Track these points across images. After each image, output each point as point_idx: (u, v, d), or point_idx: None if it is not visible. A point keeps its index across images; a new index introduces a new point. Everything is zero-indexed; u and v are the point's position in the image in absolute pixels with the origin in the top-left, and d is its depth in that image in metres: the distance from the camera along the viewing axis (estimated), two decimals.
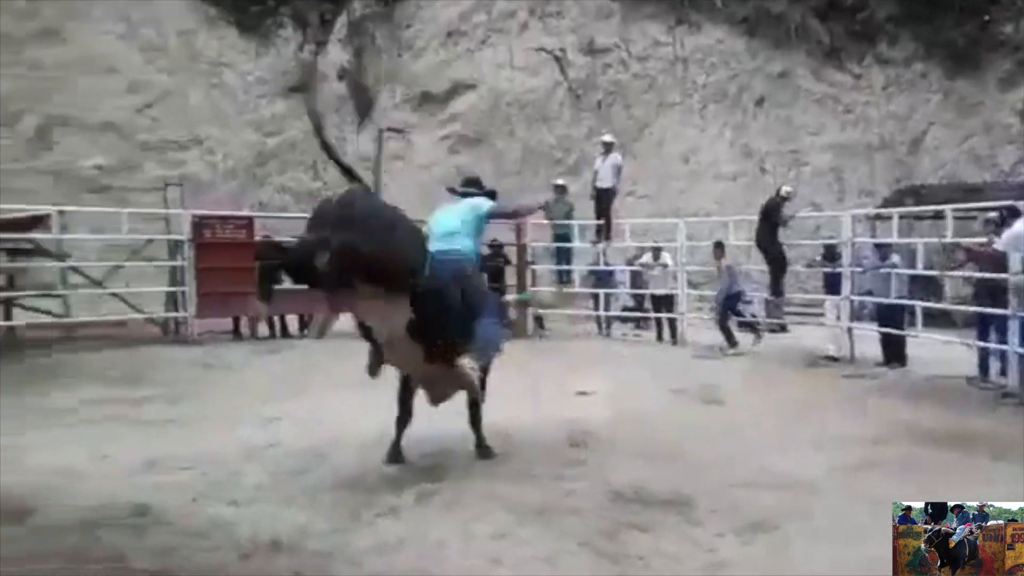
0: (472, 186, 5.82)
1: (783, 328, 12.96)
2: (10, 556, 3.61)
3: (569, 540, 3.88)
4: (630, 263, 13.73)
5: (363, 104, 19.44)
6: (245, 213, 13.37)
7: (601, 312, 13.04)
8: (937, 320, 10.60)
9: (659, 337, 12.19)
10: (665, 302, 12.24)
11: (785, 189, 11.33)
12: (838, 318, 10.49)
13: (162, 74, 17.69)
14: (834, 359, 10.02)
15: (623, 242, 13.35)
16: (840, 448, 5.70)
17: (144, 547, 3.73)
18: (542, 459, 5.30)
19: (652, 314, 12.65)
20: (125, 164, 16.95)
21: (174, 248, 11.53)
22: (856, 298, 10.45)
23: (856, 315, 10.71)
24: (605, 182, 12.95)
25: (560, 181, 13.86)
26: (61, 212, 11.34)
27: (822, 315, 11.33)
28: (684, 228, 12.18)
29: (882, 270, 9.86)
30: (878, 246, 10.54)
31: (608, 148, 13.15)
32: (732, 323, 11.44)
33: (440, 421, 5.51)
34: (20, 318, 10.85)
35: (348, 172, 18.10)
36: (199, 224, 11.36)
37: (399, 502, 4.43)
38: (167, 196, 13.12)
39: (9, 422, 6.26)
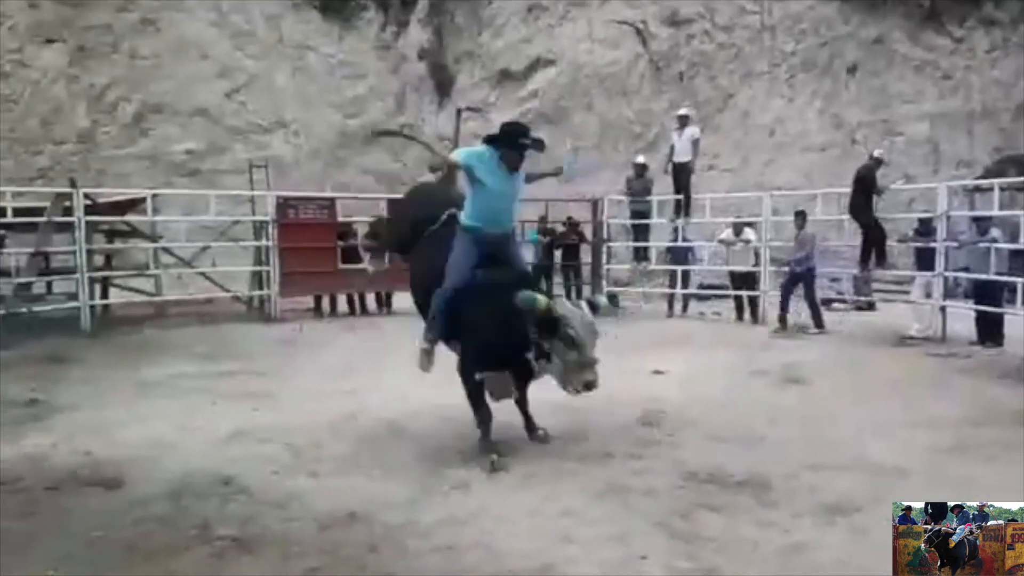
0: (506, 138, 5.11)
1: (871, 306, 12.46)
2: (105, 522, 3.81)
3: (642, 520, 3.84)
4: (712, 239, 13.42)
5: (442, 84, 19.56)
6: (327, 194, 13.66)
7: (678, 290, 12.80)
8: None
9: (739, 316, 11.89)
10: (746, 280, 11.89)
11: (878, 152, 10.82)
12: (928, 295, 10.01)
13: (250, 59, 18.22)
14: (922, 338, 9.58)
15: (703, 218, 13.02)
16: (927, 430, 5.45)
17: (227, 516, 3.88)
18: (616, 438, 5.26)
19: (732, 292, 12.32)
20: (214, 148, 17.58)
21: (259, 228, 11.90)
22: (951, 274, 9.94)
23: (949, 292, 10.19)
24: (682, 156, 12.64)
25: (640, 159, 13.61)
26: (155, 195, 11.86)
27: (909, 292, 10.83)
28: (769, 202, 11.80)
29: (980, 245, 9.34)
30: (976, 219, 9.98)
31: (684, 122, 12.83)
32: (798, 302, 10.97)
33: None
34: (115, 296, 11.42)
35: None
36: (283, 205, 11.68)
37: (471, 477, 4.47)
38: (253, 178, 13.53)
39: (103, 395, 6.62)
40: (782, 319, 10.64)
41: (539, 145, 5.08)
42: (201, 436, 5.33)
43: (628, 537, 3.64)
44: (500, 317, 4.65)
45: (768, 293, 11.75)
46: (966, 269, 9.78)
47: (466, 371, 4.92)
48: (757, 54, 18.68)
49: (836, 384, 7.19)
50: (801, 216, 11.00)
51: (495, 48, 19.51)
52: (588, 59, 19.06)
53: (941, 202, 9.99)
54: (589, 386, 4.61)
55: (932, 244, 10.02)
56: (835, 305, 12.74)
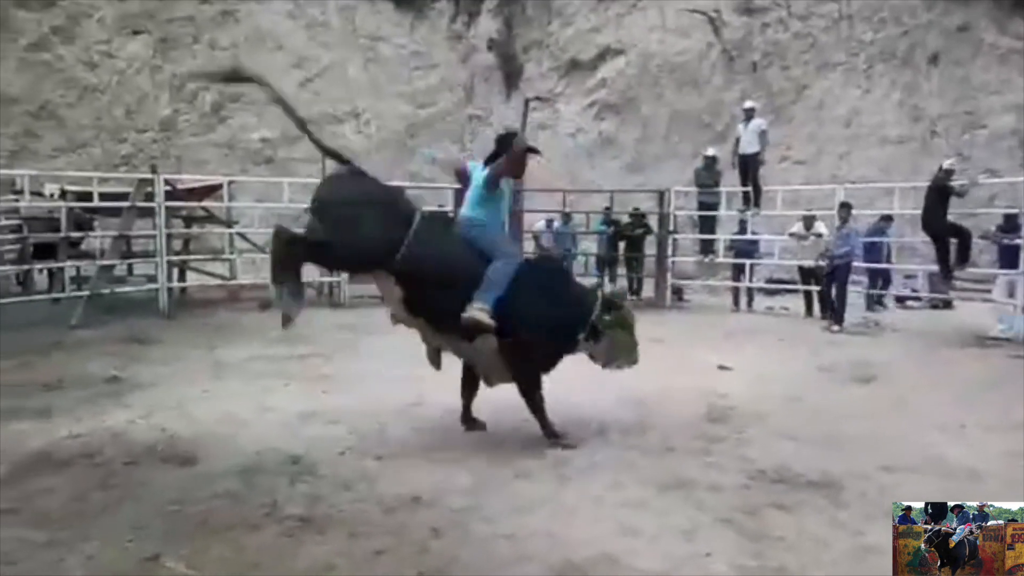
0: (500, 145, 5.03)
1: (947, 304, 12.00)
2: (179, 496, 3.96)
3: (707, 515, 3.79)
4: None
5: (511, 74, 19.56)
6: (396, 183, 13.80)
7: (743, 283, 12.56)
8: None
9: (808, 311, 11.58)
10: (816, 275, 11.56)
11: (947, 163, 10.41)
12: (1011, 295, 9.58)
13: (324, 50, 18.58)
14: (1004, 339, 9.19)
15: (774, 210, 12.73)
16: (1004, 433, 5.25)
17: (295, 495, 3.98)
18: (681, 432, 5.20)
19: (801, 287, 12.01)
20: (288, 137, 17.93)
21: None
22: None
23: None
24: (749, 148, 12.41)
25: (711, 151, 13.40)
26: (231, 182, 12.21)
27: (990, 291, 10.38)
28: (842, 195, 11.47)
29: None
30: None
31: (750, 114, 12.62)
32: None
33: (578, 390, 5.52)
34: (192, 280, 11.82)
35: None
36: None
37: (535, 465, 4.49)
38: (325, 166, 13.75)
39: (180, 375, 6.87)
40: (832, 316, 10.28)
41: (533, 150, 5.06)
42: (272, 416, 5.47)
43: (692, 532, 3.60)
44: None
45: None
46: None
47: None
48: (834, 44, 18.13)
49: (909, 383, 6.96)
50: (846, 208, 10.66)
51: (564, 38, 19.40)
52: (658, 48, 18.80)
53: None
54: (635, 363, 5.16)
55: (1017, 241, 9.59)
56: (910, 303, 12.32)
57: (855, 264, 10.95)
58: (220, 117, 17.77)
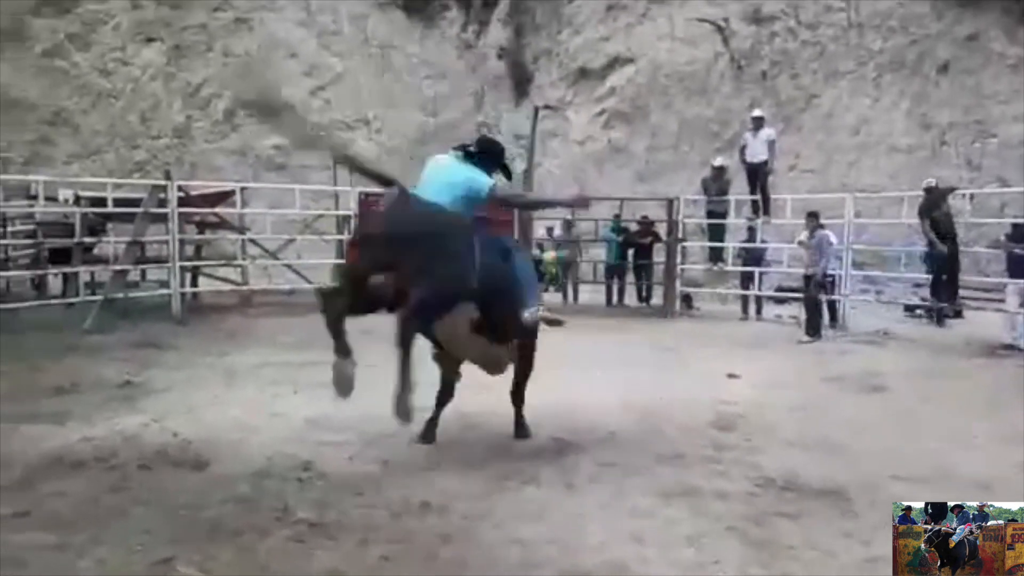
0: (487, 153, 4.78)
1: (957, 314, 11.96)
2: (189, 501, 3.99)
3: (715, 523, 3.80)
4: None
5: (521, 82, 19.64)
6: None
7: (752, 292, 12.54)
8: None
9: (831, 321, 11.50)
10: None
11: (926, 182, 10.44)
12: (1022, 304, 9.56)
13: (335, 58, 18.73)
14: (1015, 348, 9.16)
15: (783, 219, 12.71)
16: (1016, 444, 5.21)
17: (305, 499, 4.01)
18: (689, 440, 5.21)
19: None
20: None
21: (341, 223, 12.20)
22: None
23: None
24: (757, 156, 12.44)
25: (718, 162, 13.39)
26: (243, 188, 12.31)
27: (1002, 300, 10.34)
28: (852, 204, 11.46)
29: None
30: None
31: (759, 123, 12.66)
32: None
33: (586, 396, 5.54)
34: (204, 285, 11.90)
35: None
36: (365, 200, 11.94)
37: (544, 472, 4.50)
38: (336, 174, 13.86)
39: (193, 380, 6.92)
40: (810, 328, 10.25)
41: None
42: (283, 422, 5.51)
43: (700, 540, 3.61)
44: None
45: (849, 297, 11.41)
46: None
47: None
48: (843, 53, 18.11)
49: (919, 393, 6.94)
50: (814, 218, 10.64)
51: (574, 46, 19.47)
52: (667, 57, 18.84)
53: None
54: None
55: None
56: (917, 311, 12.29)
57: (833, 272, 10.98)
58: (233, 124, 17.91)
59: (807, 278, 10.52)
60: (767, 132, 12.58)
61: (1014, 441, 5.30)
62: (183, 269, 11.04)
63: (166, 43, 17.69)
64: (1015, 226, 10.34)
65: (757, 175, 12.49)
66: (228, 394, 6.36)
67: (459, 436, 5.25)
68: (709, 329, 10.93)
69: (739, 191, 13.00)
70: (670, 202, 13.08)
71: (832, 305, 11.31)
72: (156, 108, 17.66)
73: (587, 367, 7.31)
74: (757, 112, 13.18)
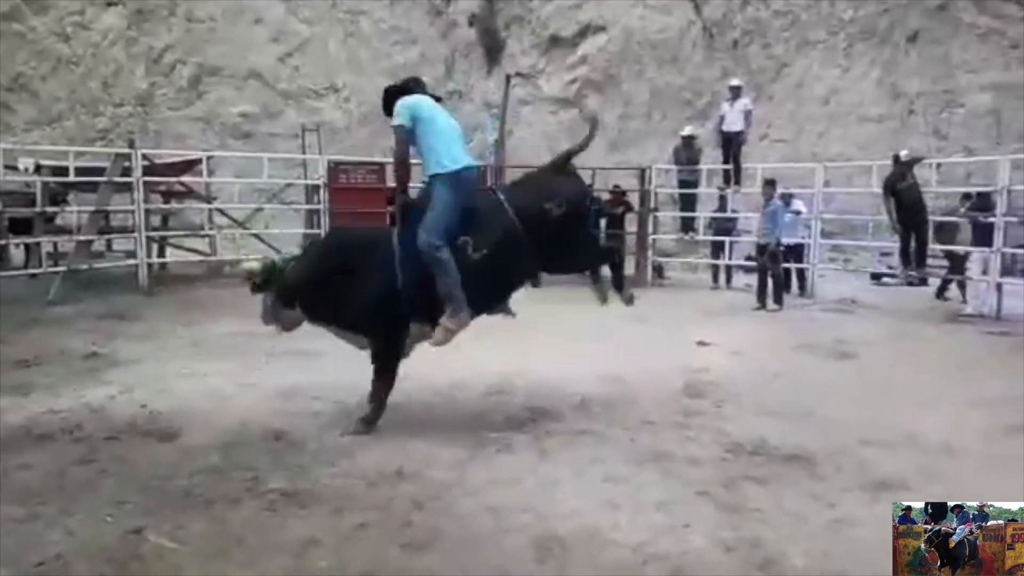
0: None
1: (923, 281, 12.16)
2: (161, 471, 3.96)
3: (686, 488, 3.86)
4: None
5: (492, 50, 19.41)
6: (377, 159, 13.74)
7: (723, 261, 12.64)
8: None
9: (786, 288, 11.64)
10: (792, 252, 11.54)
11: (901, 153, 10.52)
12: (984, 272, 9.74)
13: (303, 24, 18.33)
14: (976, 315, 9.36)
15: (753, 188, 12.76)
16: (979, 408, 5.34)
17: (277, 469, 3.99)
18: (660, 407, 5.26)
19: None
20: (267, 111, 17.80)
21: (311, 192, 12.05)
22: (1009, 250, 9.65)
23: (1007, 269, 9.91)
24: (733, 126, 12.46)
25: (688, 130, 13.39)
26: (210, 157, 12.08)
27: (966, 269, 10.54)
28: (822, 174, 11.55)
29: None
30: None
31: (736, 93, 12.66)
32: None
33: (558, 364, 5.56)
34: (171, 256, 11.72)
35: None
36: (335, 169, 11.79)
37: (517, 439, 4.53)
38: (305, 142, 13.67)
39: (160, 351, 6.85)
40: (771, 296, 10.30)
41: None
42: (254, 392, 5.48)
43: (671, 505, 3.66)
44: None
45: (817, 266, 11.55)
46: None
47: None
48: (814, 22, 18.10)
49: (886, 360, 7.08)
50: (771, 186, 10.70)
51: (545, 14, 19.25)
52: (639, 25, 18.70)
53: (1002, 176, 9.67)
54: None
55: (991, 219, 9.73)
56: (885, 280, 12.47)
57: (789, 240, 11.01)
58: (198, 91, 17.54)
59: (760, 247, 10.58)
60: (743, 102, 12.60)
61: (978, 406, 5.42)
62: (149, 239, 10.85)
63: (127, 7, 17.20)
64: (979, 194, 10.48)
65: (732, 145, 12.52)
66: (197, 364, 6.29)
67: (433, 404, 5.26)
68: (680, 298, 11.00)
69: (709, 161, 13.04)
70: (642, 172, 13.08)
71: (789, 274, 11.28)
72: (118, 74, 17.21)
73: (559, 337, 7.34)
74: (735, 81, 13.17)
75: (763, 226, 10.57)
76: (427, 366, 5.63)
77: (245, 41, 17.69)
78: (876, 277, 12.63)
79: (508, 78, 16.61)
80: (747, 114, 12.51)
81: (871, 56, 17.63)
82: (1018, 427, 4.92)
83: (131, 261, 10.61)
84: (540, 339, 6.82)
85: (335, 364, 6.04)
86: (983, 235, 9.97)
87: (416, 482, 3.87)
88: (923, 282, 12.08)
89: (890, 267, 12.20)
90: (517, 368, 5.54)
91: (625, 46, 18.73)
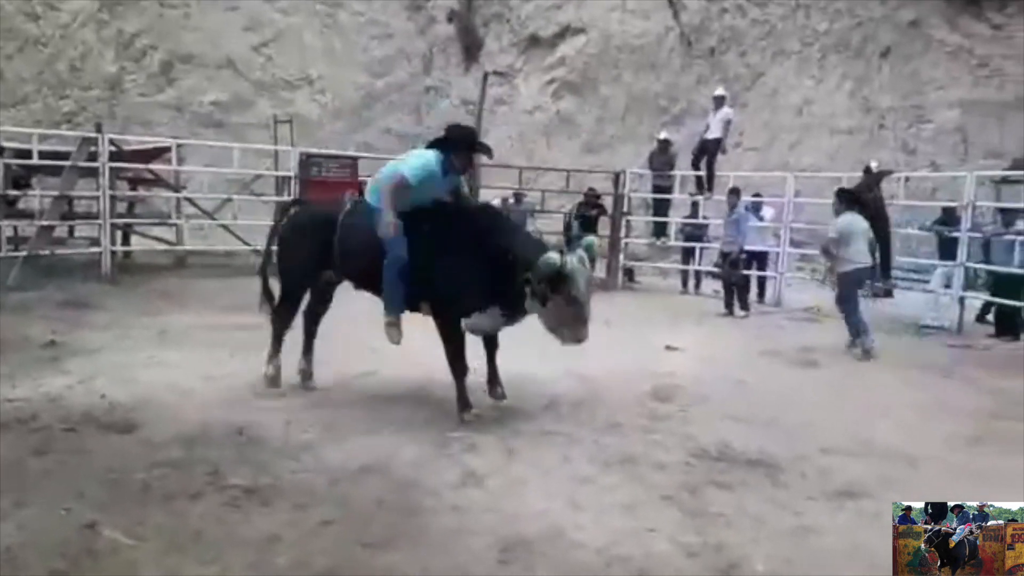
0: (452, 138, 5.09)
1: (888, 293, 12.35)
2: (119, 464, 3.88)
3: (651, 491, 3.87)
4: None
5: (470, 47, 19.37)
6: (350, 153, 13.63)
7: (692, 267, 12.71)
8: None
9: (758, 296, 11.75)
10: (756, 258, 11.54)
11: (871, 164, 10.69)
12: (947, 286, 9.92)
13: (279, 13, 18.12)
14: (938, 327, 9.53)
15: (726, 196, 12.87)
16: (940, 419, 5.44)
17: (239, 464, 3.93)
18: (627, 410, 5.27)
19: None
20: (239, 101, 17.57)
21: (281, 184, 11.91)
22: (972, 265, 9.84)
23: (969, 283, 10.10)
24: (713, 134, 12.55)
25: (663, 135, 13.48)
26: (179, 145, 11.88)
27: (928, 281, 10.73)
28: (793, 183, 11.67)
29: (1005, 237, 9.22)
30: (1002, 211, 9.84)
31: (719, 103, 12.75)
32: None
33: (527, 364, 5.54)
34: (136, 244, 11.51)
35: None
36: (306, 162, 11.67)
37: (484, 439, 4.51)
38: (277, 133, 13.51)
39: (122, 341, 6.71)
40: (737, 304, 10.38)
41: (488, 152, 5.27)
42: (218, 386, 5.39)
43: (636, 508, 3.66)
44: (482, 263, 4.73)
45: (785, 275, 11.67)
46: (987, 261, 9.69)
47: (454, 327, 4.89)
48: (790, 32, 18.33)
49: (850, 369, 7.18)
50: (735, 194, 10.83)
51: (525, 13, 19.27)
52: (618, 29, 18.79)
53: (968, 191, 9.84)
54: (580, 341, 4.68)
55: (955, 234, 9.90)
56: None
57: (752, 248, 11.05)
58: (169, 78, 17.26)
59: (724, 255, 10.66)
60: (725, 111, 12.69)
61: (939, 416, 5.52)
62: (114, 227, 10.63)
63: None
64: (945, 210, 10.67)
65: (707, 152, 12.62)
66: (160, 356, 6.18)
67: (399, 401, 5.22)
68: (650, 302, 11.06)
69: (684, 166, 13.13)
70: (617, 175, 13.12)
71: (746, 282, 11.12)
72: (87, 57, 16.87)
73: (527, 337, 7.31)
74: (719, 91, 13.28)
75: (726, 234, 10.65)
76: (394, 363, 5.59)
77: (219, 29, 17.44)
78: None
79: (485, 76, 16.57)
80: (727, 123, 12.61)
81: (844, 69, 17.89)
82: (978, 437, 5.02)
83: (95, 249, 10.39)
84: (508, 339, 6.79)
85: (296, 360, 5.97)
86: (948, 249, 10.14)
87: (379, 480, 3.83)
88: (888, 294, 12.26)
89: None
90: (485, 366, 5.50)
91: (603, 49, 18.82)
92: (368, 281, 5.10)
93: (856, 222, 7.96)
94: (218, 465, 3.89)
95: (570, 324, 4.61)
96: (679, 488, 3.92)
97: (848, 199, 8.30)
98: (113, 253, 10.45)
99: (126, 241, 11.69)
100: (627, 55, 18.77)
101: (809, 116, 18.01)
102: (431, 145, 5.06)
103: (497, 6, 19.42)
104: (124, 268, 10.86)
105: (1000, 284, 9.46)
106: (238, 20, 17.69)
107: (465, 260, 4.77)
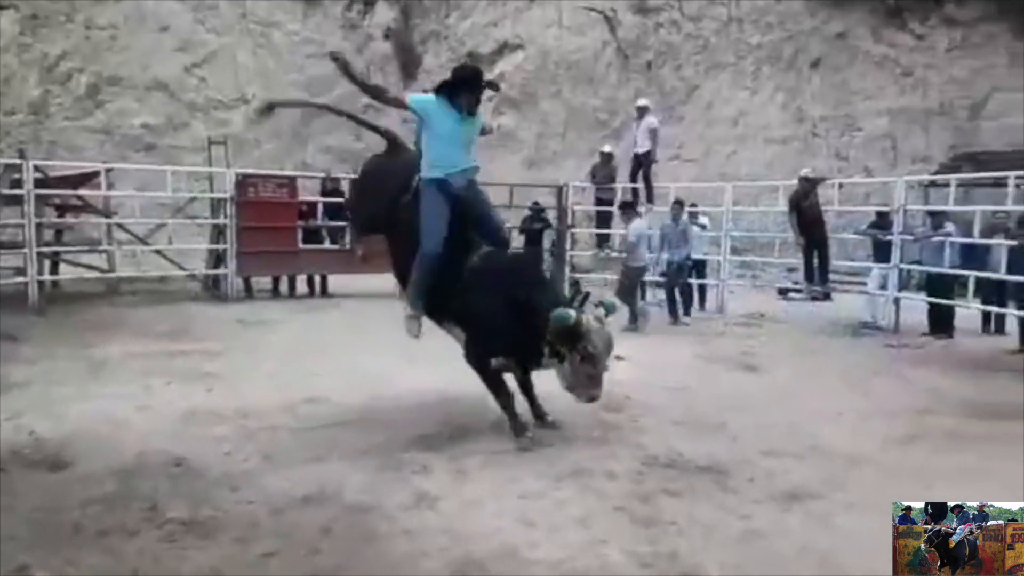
0: (463, 79, 5.06)
1: (827, 296, 12.65)
2: (49, 503, 3.69)
3: (603, 503, 3.85)
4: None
5: (408, 65, 19.31)
6: (288, 172, 13.42)
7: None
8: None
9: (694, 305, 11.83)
10: (695, 267, 11.67)
11: (804, 171, 11.01)
12: (883, 287, 10.22)
13: (211, 34, 17.78)
14: (876, 328, 9.79)
15: (665, 207, 13.01)
16: (880, 418, 5.56)
17: (177, 497, 3.77)
18: (578, 422, 5.23)
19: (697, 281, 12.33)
20: (172, 123, 17.15)
21: (217, 206, 11.63)
22: (905, 267, 10.14)
23: (903, 284, 10.41)
24: (641, 147, 12.72)
25: (607, 148, 13.65)
26: (109, 170, 11.52)
27: (865, 283, 11.04)
28: (731, 193, 11.89)
29: (935, 239, 9.54)
30: (931, 214, 10.19)
31: (642, 112, 12.93)
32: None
33: (476, 382, 5.48)
34: (66, 272, 11.10)
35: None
36: (243, 183, 11.43)
37: (432, 460, 4.42)
38: (212, 155, 13.20)
39: (52, 374, 6.42)
40: (673, 313, 10.59)
41: (494, 86, 5.39)
42: (153, 416, 5.19)
43: (589, 520, 3.63)
44: (513, 309, 4.66)
45: (727, 282, 11.85)
46: (918, 262, 10.01)
47: (479, 359, 4.90)
48: (723, 46, 18.76)
49: (792, 372, 7.29)
50: (679, 206, 11.04)
51: (462, 30, 19.32)
52: (556, 45, 18.98)
53: (898, 196, 10.17)
54: (593, 399, 4.69)
55: (889, 237, 10.20)
56: (791, 295, 12.90)
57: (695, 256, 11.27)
58: (97, 101, 16.72)
59: (669, 263, 10.79)
60: (649, 121, 12.84)
61: (877, 416, 5.64)
62: (41, 255, 10.21)
63: (20, 11, 16.30)
64: (879, 214, 10.99)
65: (640, 165, 12.76)
66: (92, 388, 5.93)
67: (344, 427, 5.08)
68: None
69: (625, 179, 13.27)
70: (560, 189, 13.19)
71: (690, 289, 11.38)
72: (8, 81, 16.24)
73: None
74: (641, 101, 13.46)
75: (674, 243, 10.77)
76: (336, 383, 5.46)
77: (148, 50, 17.02)
78: (783, 292, 13.04)
79: (424, 93, 16.54)
80: (653, 133, 12.76)
81: (776, 81, 18.37)
82: (913, 436, 5.14)
83: (20, 279, 9.97)
84: (455, 355, 6.73)
85: (239, 387, 5.82)
86: (882, 252, 10.45)
87: (325, 507, 3.72)
88: (827, 297, 12.54)
89: (795, 282, 12.62)
90: (433, 386, 5.43)
91: (541, 65, 18.97)
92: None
93: (644, 229, 10.14)
94: (155, 499, 3.73)
95: (584, 382, 4.58)
96: (631, 498, 3.91)
97: (631, 211, 10.41)
98: (40, 283, 10.03)
99: (55, 270, 11.23)
100: (565, 71, 18.95)
101: (744, 127, 18.43)
102: (437, 89, 5.01)
103: (435, 24, 19.44)
104: (53, 298, 10.43)
105: (933, 284, 9.77)
106: (169, 41, 17.29)
107: (495, 305, 4.71)
